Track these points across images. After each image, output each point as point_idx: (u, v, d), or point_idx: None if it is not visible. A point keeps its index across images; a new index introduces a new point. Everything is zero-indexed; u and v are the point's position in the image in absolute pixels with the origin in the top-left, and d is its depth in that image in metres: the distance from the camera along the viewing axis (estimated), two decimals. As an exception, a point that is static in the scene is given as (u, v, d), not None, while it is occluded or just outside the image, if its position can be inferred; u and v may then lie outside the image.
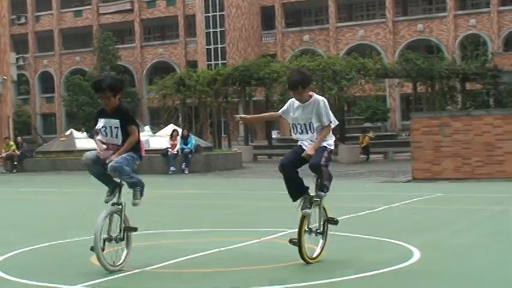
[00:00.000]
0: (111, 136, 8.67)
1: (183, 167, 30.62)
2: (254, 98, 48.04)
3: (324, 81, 38.35)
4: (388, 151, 39.09)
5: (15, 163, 35.71)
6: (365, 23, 69.81)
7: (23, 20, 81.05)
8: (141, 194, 9.15)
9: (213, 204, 17.19)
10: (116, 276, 8.19)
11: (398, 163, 32.54)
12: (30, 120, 75.05)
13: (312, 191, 8.96)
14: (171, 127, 35.70)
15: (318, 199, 9.00)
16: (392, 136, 47.43)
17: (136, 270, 8.45)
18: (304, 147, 8.77)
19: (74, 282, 7.86)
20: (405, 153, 33.09)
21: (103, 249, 8.36)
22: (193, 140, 32.02)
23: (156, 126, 51.01)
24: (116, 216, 8.84)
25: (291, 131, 9.13)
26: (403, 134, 49.05)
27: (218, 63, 64.95)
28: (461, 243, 10.39)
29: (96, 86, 8.68)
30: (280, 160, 8.99)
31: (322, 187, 8.99)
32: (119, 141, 8.61)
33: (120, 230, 8.71)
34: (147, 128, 46.64)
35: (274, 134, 53.52)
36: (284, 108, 9.10)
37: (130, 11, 77.84)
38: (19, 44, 78.36)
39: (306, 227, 8.85)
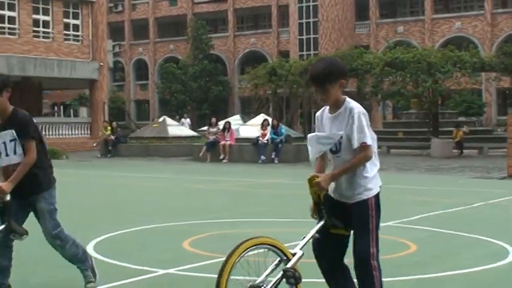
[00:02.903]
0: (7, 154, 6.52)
1: (273, 156, 30.60)
2: (346, 89, 47.64)
3: (419, 73, 37.93)
4: (483, 146, 38.29)
5: (110, 148, 36.36)
6: (462, 14, 68.46)
7: (120, 8, 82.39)
8: (94, 272, 6.95)
9: (303, 195, 17.15)
10: (207, 262, 8.24)
11: (494, 159, 31.87)
12: (125, 106, 76.25)
13: None
14: (261, 117, 35.66)
15: None
16: (487, 131, 46.35)
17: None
18: (332, 194, 5.53)
19: (167, 266, 7.97)
20: (501, 149, 32.36)
21: None
22: (284, 130, 32.00)
23: (246, 116, 51.24)
24: None
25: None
26: (499, 130, 47.90)
27: (310, 54, 64.71)
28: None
29: None
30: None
31: None
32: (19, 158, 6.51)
33: None
34: (237, 117, 47.07)
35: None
36: (313, 134, 5.78)
37: (225, 0, 78.23)
38: (115, 31, 79.72)
39: None
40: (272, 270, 5.21)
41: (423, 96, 39.45)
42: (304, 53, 67.27)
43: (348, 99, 5.55)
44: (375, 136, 5.47)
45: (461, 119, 46.29)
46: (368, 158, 5.33)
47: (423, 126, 41.39)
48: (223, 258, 5.08)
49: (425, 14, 68.96)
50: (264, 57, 71.11)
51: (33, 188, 6.34)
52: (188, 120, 52.67)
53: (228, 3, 77.58)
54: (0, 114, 6.40)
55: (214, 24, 78.63)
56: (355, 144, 5.29)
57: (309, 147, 5.63)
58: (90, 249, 9.12)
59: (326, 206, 5.42)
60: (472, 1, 68.98)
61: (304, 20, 69.56)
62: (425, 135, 39.33)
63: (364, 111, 5.45)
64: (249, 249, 5.22)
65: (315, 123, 5.85)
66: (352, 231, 5.37)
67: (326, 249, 5.44)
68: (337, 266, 5.46)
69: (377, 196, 5.41)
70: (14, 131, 6.35)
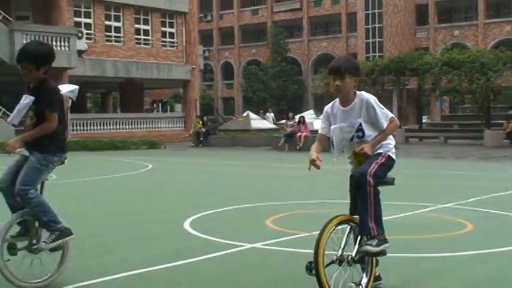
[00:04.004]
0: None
1: (343, 146, 30.42)
2: (408, 87, 47.36)
3: (473, 72, 37.40)
4: (530, 137, 37.41)
5: (201, 139, 36.73)
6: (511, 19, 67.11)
7: (209, 18, 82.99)
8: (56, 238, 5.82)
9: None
10: (287, 238, 8.27)
11: (540, 148, 31.13)
12: (213, 102, 76.89)
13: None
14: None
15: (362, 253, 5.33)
16: (534, 123, 45.23)
17: (304, 234, 8.40)
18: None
19: (252, 241, 8.01)
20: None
21: None
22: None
23: (319, 111, 51.07)
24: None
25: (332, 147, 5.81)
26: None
27: (376, 55, 64.16)
28: None
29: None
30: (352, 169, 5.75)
31: (363, 230, 5.32)
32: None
33: None
34: (311, 111, 46.94)
35: (425, 119, 52.43)
36: (323, 121, 5.85)
37: (300, 9, 78.06)
38: (205, 38, 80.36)
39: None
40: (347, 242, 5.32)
41: (477, 92, 38.82)
42: (371, 54, 66.78)
43: (358, 92, 5.56)
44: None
45: (511, 112, 45.37)
46: (396, 127, 5.51)
47: (477, 119, 40.85)
48: (316, 235, 5.11)
49: (479, 19, 67.85)
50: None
51: (34, 146, 5.77)
52: (272, 114, 52.84)
53: (303, 12, 77.55)
54: (32, 80, 5.80)
55: (291, 30, 78.51)
56: (385, 124, 5.42)
57: (334, 138, 5.67)
58: (186, 225, 9.27)
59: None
60: (521, 7, 67.52)
61: (370, 26, 69.03)
62: (479, 127, 38.74)
63: (375, 98, 5.51)
64: (336, 226, 5.28)
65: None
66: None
67: None
68: None
69: (389, 157, 5.53)
70: (34, 99, 5.72)
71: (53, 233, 5.76)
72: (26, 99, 5.70)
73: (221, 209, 11.02)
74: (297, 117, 34.73)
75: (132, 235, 8.80)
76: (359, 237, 5.31)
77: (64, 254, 5.96)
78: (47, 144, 5.76)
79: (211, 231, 8.72)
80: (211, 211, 10.78)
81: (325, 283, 5.04)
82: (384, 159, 5.44)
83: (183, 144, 38.19)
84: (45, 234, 5.81)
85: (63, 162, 5.94)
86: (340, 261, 5.22)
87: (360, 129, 5.47)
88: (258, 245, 7.84)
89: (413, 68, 40.33)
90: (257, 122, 40.36)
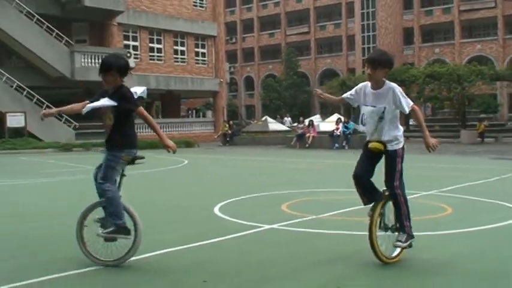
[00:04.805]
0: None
1: (343, 144, 30.40)
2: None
3: (451, 82, 37.50)
4: (498, 136, 37.12)
5: (228, 139, 36.78)
6: (482, 39, 66.59)
7: (234, 40, 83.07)
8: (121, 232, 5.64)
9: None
10: (300, 220, 8.23)
11: (507, 145, 30.83)
12: (238, 109, 76.97)
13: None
14: (335, 116, 35.60)
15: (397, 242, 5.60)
16: (501, 125, 44.85)
17: (313, 216, 8.45)
18: (372, 145, 5.62)
19: (270, 223, 7.99)
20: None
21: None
22: (353, 125, 31.73)
23: (324, 115, 51.00)
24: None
25: (360, 121, 5.77)
26: (509, 123, 46.55)
27: (370, 70, 64.03)
28: (559, 207, 9.71)
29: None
30: (354, 169, 5.83)
31: (401, 227, 5.61)
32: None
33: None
34: (318, 116, 46.89)
35: (411, 121, 52.06)
36: (353, 91, 5.80)
37: (308, 32, 77.89)
38: (231, 57, 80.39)
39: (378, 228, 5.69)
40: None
41: (454, 99, 38.73)
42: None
43: (387, 81, 5.59)
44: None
45: (482, 115, 45.22)
46: (420, 111, 5.60)
47: (454, 121, 40.77)
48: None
49: (455, 39, 67.68)
50: (337, 73, 70.72)
51: (109, 145, 5.66)
52: (289, 118, 52.71)
53: (311, 35, 77.53)
54: (113, 86, 5.58)
55: (301, 50, 78.39)
56: (407, 110, 5.48)
57: (366, 117, 5.66)
58: (216, 210, 9.26)
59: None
60: (489, 29, 67.17)
61: (366, 46, 68.75)
62: (456, 127, 38.63)
63: (400, 88, 5.55)
64: (382, 207, 5.66)
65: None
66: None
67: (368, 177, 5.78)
68: (370, 183, 5.79)
69: (403, 149, 5.70)
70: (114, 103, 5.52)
71: (111, 225, 5.60)
72: (109, 102, 5.54)
73: (245, 197, 11.00)
74: (306, 120, 34.72)
75: (171, 218, 8.80)
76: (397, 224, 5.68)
77: (135, 240, 5.66)
78: (116, 141, 5.63)
79: (237, 215, 8.71)
80: (236, 198, 10.77)
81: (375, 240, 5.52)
82: (400, 163, 5.59)
83: (213, 144, 38.28)
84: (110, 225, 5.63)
85: (134, 158, 5.68)
86: (385, 228, 5.70)
87: (383, 112, 5.51)
88: (275, 226, 7.82)
89: (402, 79, 40.23)
90: (273, 125, 40.42)
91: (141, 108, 5.60)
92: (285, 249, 6.44)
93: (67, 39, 35.25)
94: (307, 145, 31.30)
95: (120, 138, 5.63)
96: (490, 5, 65.79)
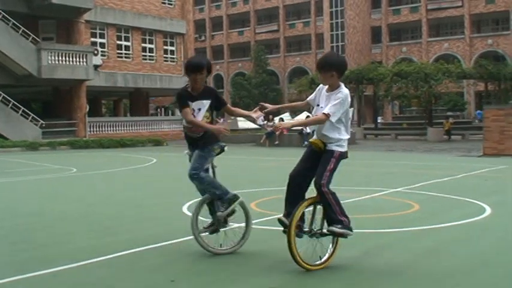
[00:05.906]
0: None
1: (313, 142, 30.48)
2: (365, 93, 47.50)
3: (418, 81, 37.72)
4: (465, 133, 37.66)
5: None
6: (449, 38, 67.51)
7: (203, 38, 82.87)
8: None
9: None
10: (269, 218, 8.16)
11: (473, 142, 31.30)
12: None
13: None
14: (304, 114, 35.51)
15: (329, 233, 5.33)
16: (468, 122, 45.52)
17: (281, 215, 8.37)
18: (312, 140, 5.53)
19: (239, 221, 7.91)
20: (478, 135, 31.87)
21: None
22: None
23: (294, 113, 51.04)
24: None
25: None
26: (476, 121, 47.22)
27: (339, 68, 64.45)
28: (523, 203, 9.88)
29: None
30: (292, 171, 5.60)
31: (332, 221, 5.28)
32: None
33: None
34: (287, 114, 46.86)
35: (379, 119, 52.58)
36: (312, 96, 5.58)
37: (277, 31, 78.11)
38: (199, 54, 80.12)
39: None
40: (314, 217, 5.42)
41: (421, 97, 39.10)
42: (335, 67, 66.97)
43: (342, 85, 5.33)
44: (350, 117, 5.41)
45: (449, 113, 45.84)
46: (317, 121, 5.28)
47: (421, 119, 41.20)
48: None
49: (422, 38, 68.43)
50: (306, 71, 70.96)
51: (203, 142, 6.00)
52: (262, 117, 52.60)
53: (280, 33, 77.75)
54: (197, 88, 5.98)
55: (270, 48, 78.56)
56: (326, 111, 5.18)
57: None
58: (184, 209, 9.19)
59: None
60: (456, 28, 68.05)
61: (334, 44, 69.28)
62: (423, 125, 39.04)
63: (349, 98, 5.27)
64: (307, 207, 5.37)
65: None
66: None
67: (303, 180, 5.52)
68: (303, 190, 5.55)
69: (341, 154, 5.34)
70: (209, 101, 5.94)
71: (224, 203, 6.12)
72: (206, 103, 5.93)
73: (255, 190, 10.90)
74: (276, 118, 34.76)
75: (139, 217, 8.70)
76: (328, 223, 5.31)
77: (246, 227, 6.30)
78: (208, 137, 5.95)
79: (206, 214, 8.59)
80: (248, 190, 10.67)
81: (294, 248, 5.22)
82: (333, 163, 5.30)
83: (182, 142, 37.96)
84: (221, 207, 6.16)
85: (222, 149, 6.11)
86: (310, 233, 5.38)
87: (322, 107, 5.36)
88: (243, 224, 7.75)
89: (370, 78, 40.57)
90: (243, 123, 40.35)
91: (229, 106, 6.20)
92: (254, 247, 6.42)
93: (34, 36, 34.70)
94: (276, 142, 31.36)
95: (211, 133, 5.94)
96: (457, 4, 66.73)
